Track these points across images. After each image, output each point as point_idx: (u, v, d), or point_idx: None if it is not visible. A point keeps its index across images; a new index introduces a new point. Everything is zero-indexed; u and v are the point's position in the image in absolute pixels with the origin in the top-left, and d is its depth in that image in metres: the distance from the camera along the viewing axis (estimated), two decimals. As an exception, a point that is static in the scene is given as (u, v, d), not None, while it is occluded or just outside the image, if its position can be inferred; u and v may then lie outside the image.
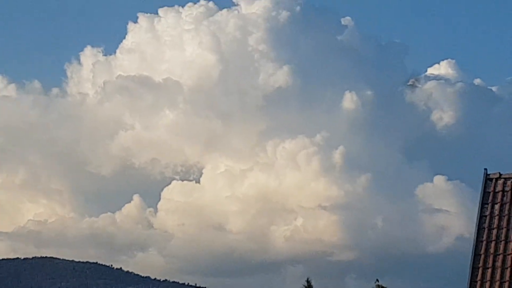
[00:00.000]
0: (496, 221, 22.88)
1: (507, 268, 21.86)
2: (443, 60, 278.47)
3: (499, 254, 22.17)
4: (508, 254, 22.05)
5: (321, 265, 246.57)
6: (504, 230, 22.63)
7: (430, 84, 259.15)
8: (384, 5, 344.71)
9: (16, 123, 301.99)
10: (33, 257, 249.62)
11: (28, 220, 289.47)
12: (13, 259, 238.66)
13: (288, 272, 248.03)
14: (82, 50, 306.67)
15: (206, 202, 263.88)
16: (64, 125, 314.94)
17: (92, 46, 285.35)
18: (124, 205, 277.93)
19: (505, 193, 23.52)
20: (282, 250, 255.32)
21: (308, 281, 60.45)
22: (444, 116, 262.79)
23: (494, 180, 23.92)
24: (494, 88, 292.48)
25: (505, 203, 23.27)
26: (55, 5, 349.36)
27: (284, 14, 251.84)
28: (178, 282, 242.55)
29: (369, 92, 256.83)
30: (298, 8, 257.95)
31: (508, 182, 23.83)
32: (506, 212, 23.06)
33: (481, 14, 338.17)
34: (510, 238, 22.46)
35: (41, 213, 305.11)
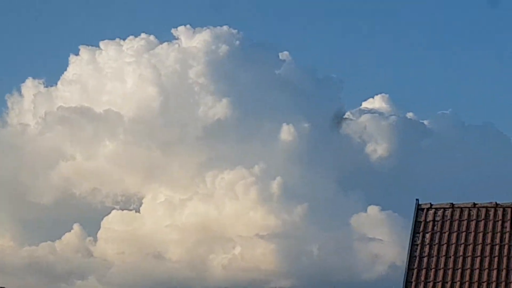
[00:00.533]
0: (427, 249, 23.60)
1: None
2: (377, 94, 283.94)
3: (429, 282, 22.89)
4: (438, 282, 22.82)
5: None
6: (434, 259, 23.36)
7: (364, 118, 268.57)
8: (322, 41, 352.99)
9: None
10: None
11: None
12: None
13: None
14: (23, 81, 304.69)
15: (146, 231, 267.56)
16: (4, 155, 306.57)
17: (33, 78, 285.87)
18: (64, 234, 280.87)
19: (436, 223, 24.33)
20: (221, 278, 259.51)
21: None
22: (378, 148, 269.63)
23: (425, 210, 24.78)
24: (425, 122, 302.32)
25: (436, 232, 24.07)
26: None
27: (224, 48, 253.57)
28: None
29: (306, 125, 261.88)
30: (237, 42, 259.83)
31: (439, 212, 24.68)
32: (437, 241, 23.83)
33: (414, 50, 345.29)
34: (440, 266, 23.20)
35: None
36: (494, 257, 23.23)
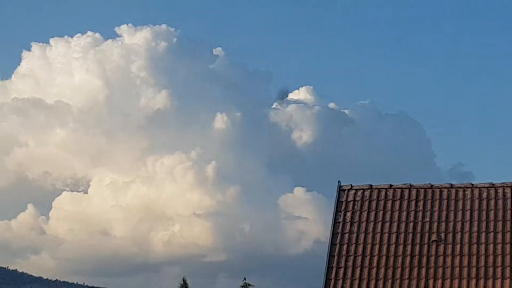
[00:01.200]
0: (348, 226, 24.92)
1: (357, 267, 23.88)
2: (302, 86, 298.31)
3: (350, 255, 24.16)
4: (358, 255, 24.13)
5: (195, 266, 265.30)
6: (355, 235, 24.69)
7: (291, 108, 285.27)
8: (251, 37, 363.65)
9: None
10: None
11: None
12: None
13: (167, 273, 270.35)
14: None
15: (93, 210, 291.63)
16: None
17: None
18: (19, 213, 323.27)
19: (356, 202, 25.66)
20: (161, 253, 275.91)
21: (184, 280, 62.83)
22: (303, 135, 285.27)
23: (346, 191, 26.05)
24: (346, 111, 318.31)
25: (356, 211, 25.39)
26: None
27: (163, 44, 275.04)
28: (68, 282, 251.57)
29: (238, 114, 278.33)
30: (175, 39, 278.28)
31: (359, 193, 25.99)
32: (357, 218, 25.16)
33: (336, 46, 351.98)
34: (360, 241, 24.53)
35: None
36: (409, 233, 24.59)
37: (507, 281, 23.11)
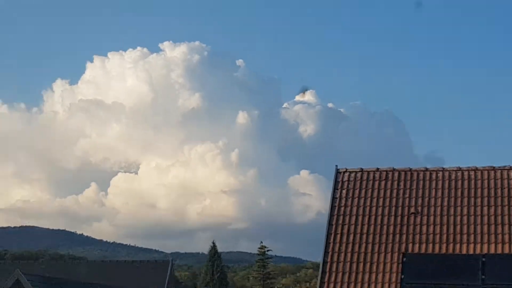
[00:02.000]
0: (343, 201, 27.33)
1: (351, 233, 26.19)
2: (306, 90, 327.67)
3: (345, 224, 26.54)
4: (352, 224, 26.50)
5: (222, 232, 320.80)
6: (349, 208, 27.09)
7: (297, 107, 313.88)
8: (266, 51, 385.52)
9: (7, 131, 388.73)
10: (20, 226, 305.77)
11: (16, 200, 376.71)
12: (5, 227, 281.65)
13: (200, 237, 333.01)
14: (54, 81, 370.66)
15: (142, 188, 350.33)
16: (41, 133, 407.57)
17: (61, 78, 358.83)
18: (84, 190, 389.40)
19: (350, 182, 27.98)
20: (195, 221, 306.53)
21: (213, 243, 66.94)
22: (307, 129, 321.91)
23: (342, 173, 28.30)
24: (342, 110, 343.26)
25: (350, 189, 27.70)
26: (35, 48, 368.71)
27: (196, 57, 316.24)
28: (122, 243, 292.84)
29: (255, 112, 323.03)
30: (206, 53, 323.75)
31: (352, 175, 28.27)
32: (350, 195, 27.50)
33: (334, 54, 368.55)
34: (353, 213, 26.86)
35: (26, 195, 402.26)
36: (392, 206, 26.95)
37: (471, 246, 24.99)
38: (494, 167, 27.84)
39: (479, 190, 27.14)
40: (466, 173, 27.88)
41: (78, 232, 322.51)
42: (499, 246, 25.09)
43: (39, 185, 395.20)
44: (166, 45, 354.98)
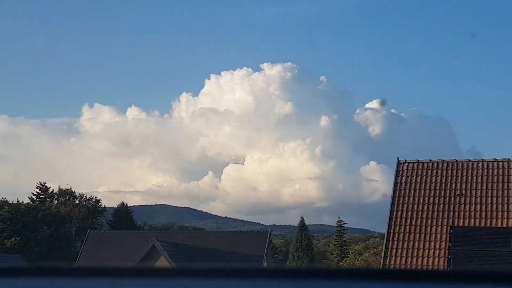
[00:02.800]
0: (403, 185, 27.28)
1: (409, 211, 26.21)
2: (373, 99, 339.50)
3: (404, 203, 26.60)
4: (410, 203, 26.49)
5: (309, 209, 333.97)
6: (407, 191, 27.03)
7: (367, 113, 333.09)
8: (341, 70, 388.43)
9: (145, 132, 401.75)
10: (155, 204, 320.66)
11: (152, 184, 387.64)
12: (144, 205, 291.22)
13: (291, 214, 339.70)
14: (180, 94, 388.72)
15: (247, 175, 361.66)
16: (170, 134, 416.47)
17: (186, 92, 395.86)
18: (203, 177, 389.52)
19: (408, 171, 27.84)
20: (288, 201, 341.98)
21: (302, 218, 67.28)
22: (375, 129, 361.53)
23: (402, 164, 28.16)
24: (402, 114, 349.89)
25: (408, 176, 27.59)
26: (167, 68, 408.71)
27: (289, 74, 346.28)
28: (232, 218, 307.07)
29: (335, 116, 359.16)
30: (296, 71, 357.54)
31: (410, 165, 28.07)
32: (408, 181, 27.41)
33: (403, 69, 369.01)
34: (410, 195, 26.79)
35: (159, 181, 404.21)
36: (441, 190, 26.76)
37: (505, 220, 24.94)
38: None
39: (511, 177, 26.77)
40: (500, 163, 27.55)
41: (199, 209, 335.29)
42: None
43: (169, 173, 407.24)
44: (265, 66, 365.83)
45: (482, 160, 27.88)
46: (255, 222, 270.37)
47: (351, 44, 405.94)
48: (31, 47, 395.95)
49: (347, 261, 73.72)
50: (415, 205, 26.48)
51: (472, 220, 25.48)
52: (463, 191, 26.56)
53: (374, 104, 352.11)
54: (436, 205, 26.33)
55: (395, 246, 25.20)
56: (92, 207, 77.07)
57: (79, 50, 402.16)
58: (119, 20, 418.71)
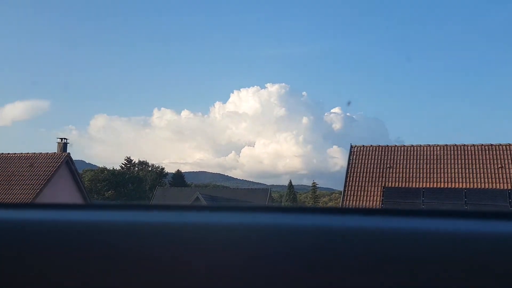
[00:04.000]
0: (354, 161, 26.30)
1: (357, 177, 25.13)
2: (336, 107, 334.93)
3: (354, 173, 25.65)
4: (358, 172, 25.41)
5: (295, 175, 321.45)
6: (357, 164, 25.96)
7: (332, 115, 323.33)
8: (320, 83, 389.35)
9: (193, 126, 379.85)
10: (198, 171, 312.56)
11: (196, 158, 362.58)
12: (192, 171, 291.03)
13: (284, 178, 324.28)
14: (215, 102, 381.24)
15: (257, 153, 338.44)
16: (209, 127, 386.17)
17: (219, 101, 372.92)
18: (229, 154, 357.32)
19: (357, 152, 26.82)
20: (282, 170, 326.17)
21: (290, 181, 66.98)
22: (337, 126, 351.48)
23: (353, 148, 27.22)
24: (354, 116, 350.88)
25: (357, 155, 26.64)
26: (204, 85, 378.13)
27: (283, 90, 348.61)
28: (246, 180, 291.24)
29: (311, 117, 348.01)
30: (288, 88, 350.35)
31: (358, 149, 27.00)
32: (358, 158, 26.51)
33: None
34: (359, 167, 25.86)
35: (201, 156, 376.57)
36: (378, 164, 25.85)
37: (417, 184, 24.77)
38: (429, 145, 26.66)
39: (421, 156, 26.20)
40: (416, 148, 26.87)
41: (226, 174, 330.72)
42: (431, 184, 24.35)
43: (207, 152, 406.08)
44: (268, 85, 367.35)
45: (404, 145, 27.29)
46: (261, 183, 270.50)
47: (322, 71, 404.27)
48: (121, 64, 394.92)
49: (319, 208, 74.44)
50: (362, 174, 25.93)
51: (398, 183, 24.96)
52: (392, 165, 26.02)
53: (336, 110, 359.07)
54: (375, 174, 25.77)
55: (349, 199, 24.83)
56: (159, 172, 77.46)
57: (151, 66, 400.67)
58: (175, 44, 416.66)
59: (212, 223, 0.82)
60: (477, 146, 25.88)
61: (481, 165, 24.78)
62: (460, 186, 23.18)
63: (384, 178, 25.23)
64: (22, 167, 28.09)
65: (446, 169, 24.33)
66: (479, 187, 23.57)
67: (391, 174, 25.37)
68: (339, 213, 0.84)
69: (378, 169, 26.00)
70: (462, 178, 23.75)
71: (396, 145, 27.61)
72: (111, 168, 71.61)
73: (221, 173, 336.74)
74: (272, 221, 0.82)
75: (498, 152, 25.29)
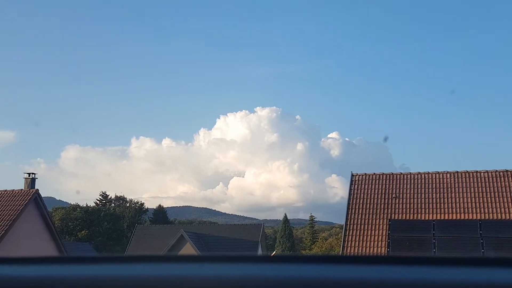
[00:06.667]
0: (356, 191, 26.36)
1: (360, 209, 25.24)
2: (334, 131, 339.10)
3: (357, 204, 25.64)
4: (361, 204, 25.52)
5: (290, 208, 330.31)
6: (359, 195, 26.13)
7: (329, 140, 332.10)
8: (314, 106, 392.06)
9: (174, 156, 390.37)
10: (183, 205, 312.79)
11: (180, 191, 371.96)
12: (175, 206, 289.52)
13: (278, 211, 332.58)
14: (199, 129, 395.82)
15: (247, 184, 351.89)
16: (192, 156, 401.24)
17: (203, 127, 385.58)
18: (216, 186, 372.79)
19: (359, 181, 26.96)
20: (275, 202, 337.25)
21: (285, 214, 66.30)
22: (335, 152, 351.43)
23: (354, 176, 27.29)
24: (354, 141, 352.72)
25: (359, 184, 26.68)
26: (190, 111, 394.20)
27: (274, 114, 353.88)
28: (236, 215, 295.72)
29: (306, 143, 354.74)
30: (279, 112, 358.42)
31: (360, 177, 27.17)
32: (360, 188, 26.55)
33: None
34: (361, 197, 25.84)
35: (185, 189, 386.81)
36: (382, 194, 25.91)
37: (427, 215, 24.49)
38: (438, 172, 26.91)
39: (430, 185, 26.39)
40: (422, 175, 27.10)
41: (213, 208, 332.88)
42: (442, 215, 24.38)
43: (192, 184, 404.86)
44: (258, 109, 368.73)
45: (410, 173, 27.47)
46: (252, 217, 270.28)
47: (317, 93, 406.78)
48: (94, 89, 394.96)
49: (317, 244, 73.33)
50: (364, 205, 25.99)
51: (405, 215, 25.00)
52: (398, 195, 26.08)
53: (333, 134, 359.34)
54: (379, 204, 25.82)
55: (351, 234, 24.80)
56: (138, 208, 76.73)
57: (128, 93, 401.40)
58: (154, 69, 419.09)
59: (200, 275, 0.80)
60: (491, 172, 25.95)
61: (496, 193, 24.85)
62: (474, 217, 23.19)
63: (389, 210, 25.20)
64: (-16, 206, 27.72)
65: (457, 199, 24.40)
66: (495, 217, 23.59)
67: (397, 205, 25.37)
68: (338, 262, 0.83)
69: (382, 200, 26.01)
70: (476, 208, 23.76)
71: (401, 173, 27.65)
72: (85, 205, 70.89)
73: (207, 207, 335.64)
74: (268, 272, 0.80)
75: (514, 178, 25.53)
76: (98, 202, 77.50)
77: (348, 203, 26.34)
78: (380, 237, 24.32)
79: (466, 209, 24.16)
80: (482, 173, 26.01)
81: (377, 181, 27.24)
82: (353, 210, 25.93)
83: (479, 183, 25.02)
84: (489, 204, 24.03)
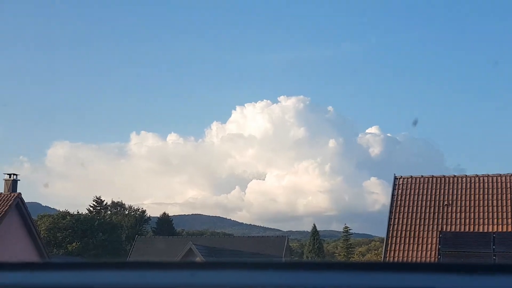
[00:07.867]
0: (399, 197, 26.71)
1: (404, 218, 25.65)
2: (373, 126, 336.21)
3: (401, 212, 25.99)
4: (405, 212, 25.93)
5: (320, 217, 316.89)
6: (403, 201, 26.49)
7: (368, 136, 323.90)
8: (347, 97, 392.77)
9: (182, 154, 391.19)
10: (191, 214, 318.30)
11: (189, 197, 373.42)
12: (182, 215, 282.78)
13: (305, 220, 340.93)
14: (212, 122, 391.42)
15: (268, 189, 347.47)
16: (204, 155, 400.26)
17: (216, 121, 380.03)
18: (231, 191, 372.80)
19: (403, 185, 27.19)
20: (302, 210, 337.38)
21: (314, 224, 66.66)
22: (375, 150, 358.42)
23: (398, 179, 27.61)
24: (397, 137, 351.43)
25: (403, 189, 26.99)
26: (202, 103, 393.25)
27: (301, 105, 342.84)
28: (255, 225, 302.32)
29: (340, 139, 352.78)
30: (307, 102, 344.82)
31: (405, 180, 27.45)
32: (404, 193, 26.86)
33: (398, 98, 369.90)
34: (406, 204, 26.27)
35: (195, 194, 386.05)
36: (431, 201, 26.12)
37: (486, 226, 24.45)
38: (500, 174, 27.02)
39: (490, 190, 26.41)
40: (481, 178, 27.13)
41: (228, 217, 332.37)
42: (504, 226, 24.55)
43: (203, 187, 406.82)
44: (281, 98, 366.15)
45: (466, 175, 27.49)
46: (275, 228, 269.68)
47: (352, 80, 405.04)
48: (84, 86, 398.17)
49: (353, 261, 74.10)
50: (410, 214, 26.10)
51: (458, 226, 25.12)
52: (450, 202, 26.18)
53: (373, 129, 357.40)
54: (427, 213, 25.95)
55: (393, 249, 24.90)
56: (139, 217, 77.32)
57: (127, 84, 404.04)
58: (158, 60, 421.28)
59: (209, 284, 0.86)
60: None
61: None
62: (544, 228, 23.19)
63: (440, 220, 25.38)
64: (-42, 213, 28.13)
65: (523, 206, 24.87)
66: None
67: (449, 214, 25.59)
68: (381, 269, 0.88)
69: (432, 208, 26.18)
70: (546, 218, 23.97)
71: (455, 175, 27.77)
72: (76, 212, 71.63)
73: (221, 216, 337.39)
74: (291, 281, 0.87)
75: None
76: (91, 209, 78.30)
77: (390, 212, 26.41)
78: (428, 252, 24.36)
79: (534, 220, 24.22)
80: (553, 176, 25.99)
81: (426, 185, 27.27)
82: (396, 220, 25.99)
83: (550, 188, 25.06)
84: (563, 213, 23.95)
